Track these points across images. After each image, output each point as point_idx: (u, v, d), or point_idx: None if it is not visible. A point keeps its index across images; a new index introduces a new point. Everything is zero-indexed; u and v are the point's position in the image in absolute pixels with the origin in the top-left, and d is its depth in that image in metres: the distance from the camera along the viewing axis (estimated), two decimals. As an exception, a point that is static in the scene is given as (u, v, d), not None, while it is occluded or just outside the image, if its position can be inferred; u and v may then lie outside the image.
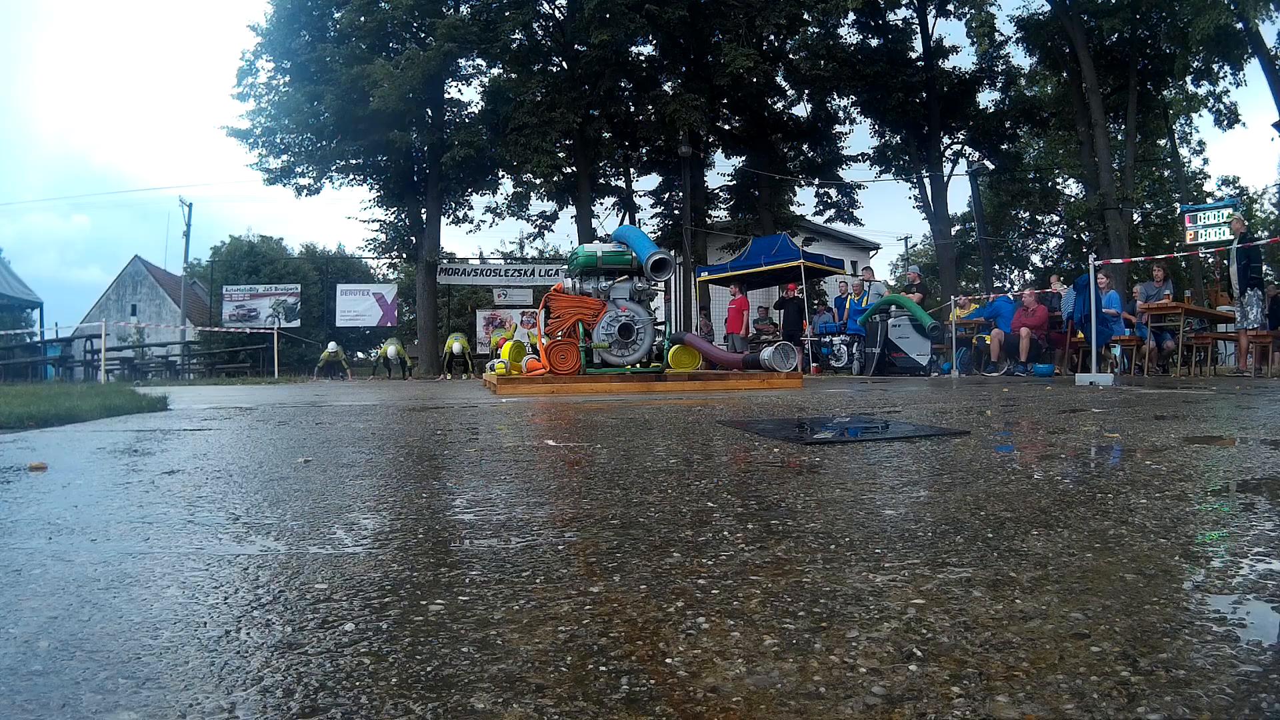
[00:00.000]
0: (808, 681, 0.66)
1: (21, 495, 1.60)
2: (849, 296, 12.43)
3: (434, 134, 18.03)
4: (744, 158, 20.62)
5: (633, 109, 19.20)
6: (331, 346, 16.87)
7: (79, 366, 16.80)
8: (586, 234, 18.62)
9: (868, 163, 21.38)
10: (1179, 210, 17.88)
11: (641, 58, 18.92)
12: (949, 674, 0.67)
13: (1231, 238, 9.09)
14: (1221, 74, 18.01)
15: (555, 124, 16.70)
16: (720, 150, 21.22)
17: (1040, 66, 20.23)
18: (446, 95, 18.84)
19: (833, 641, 0.75)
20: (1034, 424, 2.95)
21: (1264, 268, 10.69)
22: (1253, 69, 16.61)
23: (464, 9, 17.81)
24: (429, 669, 0.70)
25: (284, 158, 18.65)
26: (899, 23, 19.89)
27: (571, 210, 20.24)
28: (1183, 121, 24.08)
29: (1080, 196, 22.59)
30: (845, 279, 13.60)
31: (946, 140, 20.85)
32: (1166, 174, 25.73)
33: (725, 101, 19.02)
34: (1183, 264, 20.02)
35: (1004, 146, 21.04)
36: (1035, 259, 29.56)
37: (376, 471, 1.92)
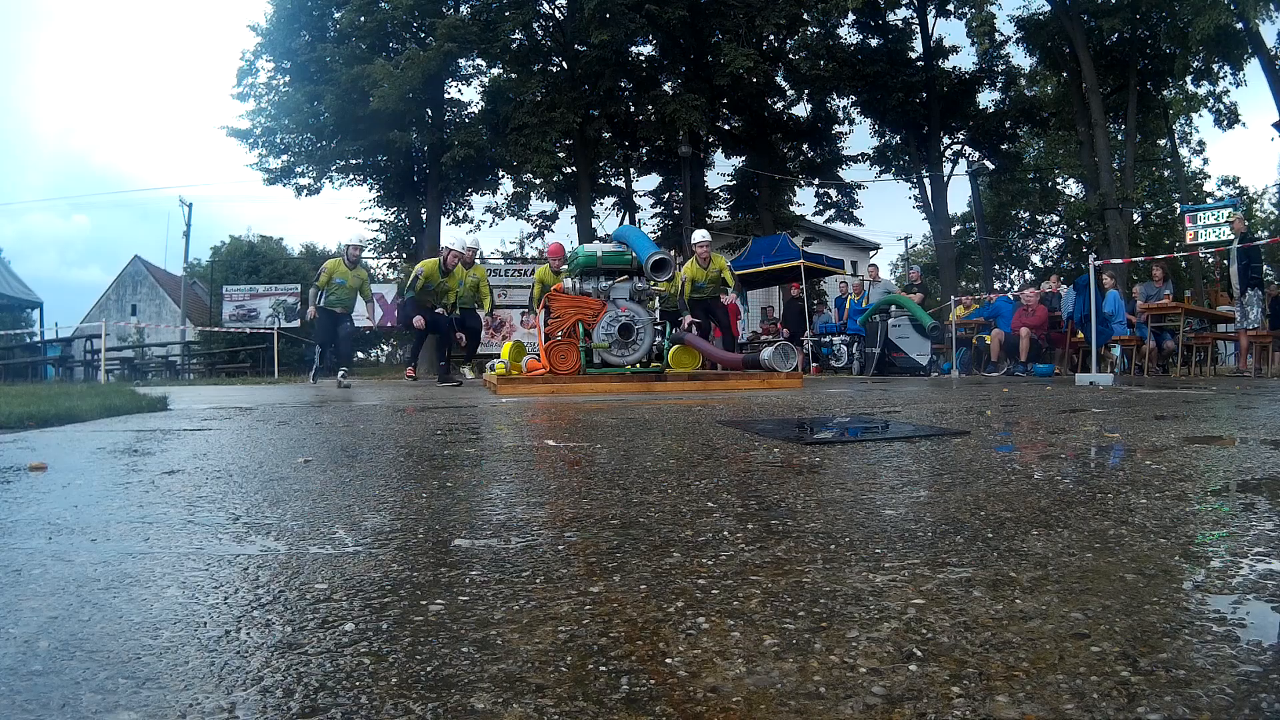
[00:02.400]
0: (808, 681, 0.66)
1: (21, 495, 1.60)
2: (849, 296, 12.44)
3: (434, 134, 18.04)
4: (744, 158, 20.62)
5: (633, 109, 19.20)
6: (327, 267, 8.50)
7: (79, 366, 16.79)
8: (586, 234, 18.61)
9: (868, 163, 21.39)
10: (1179, 210, 17.89)
11: (641, 58, 18.93)
12: (949, 674, 0.67)
13: (1232, 237, 9.09)
14: (1221, 74, 18.02)
15: (555, 124, 16.70)
16: (720, 150, 21.22)
17: (1040, 66, 20.24)
18: (446, 95, 18.85)
19: (833, 641, 0.75)
20: (1034, 424, 2.95)
21: (1264, 268, 10.69)
22: (1253, 69, 16.63)
23: (464, 9, 17.81)
24: (429, 669, 0.70)
25: (284, 158, 18.65)
26: (899, 23, 19.91)
27: (571, 210, 20.24)
28: (1183, 121, 24.11)
29: (1080, 196, 22.62)
30: (845, 279, 13.60)
31: (946, 140, 20.86)
32: (1166, 174, 25.74)
33: (725, 101, 19.03)
34: (1183, 264, 20.03)
35: (1004, 146, 21.05)
36: (1035, 259, 29.58)
37: (376, 471, 1.92)
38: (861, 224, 21.84)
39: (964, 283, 25.89)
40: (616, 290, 6.47)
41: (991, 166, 21.70)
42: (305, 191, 18.92)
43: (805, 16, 17.35)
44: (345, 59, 16.74)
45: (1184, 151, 25.31)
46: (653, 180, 22.14)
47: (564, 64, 18.41)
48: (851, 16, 18.19)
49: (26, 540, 1.20)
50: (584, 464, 2.00)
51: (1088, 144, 17.55)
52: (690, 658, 0.72)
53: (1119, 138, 18.66)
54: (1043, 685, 0.64)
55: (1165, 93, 20.21)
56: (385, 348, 27.72)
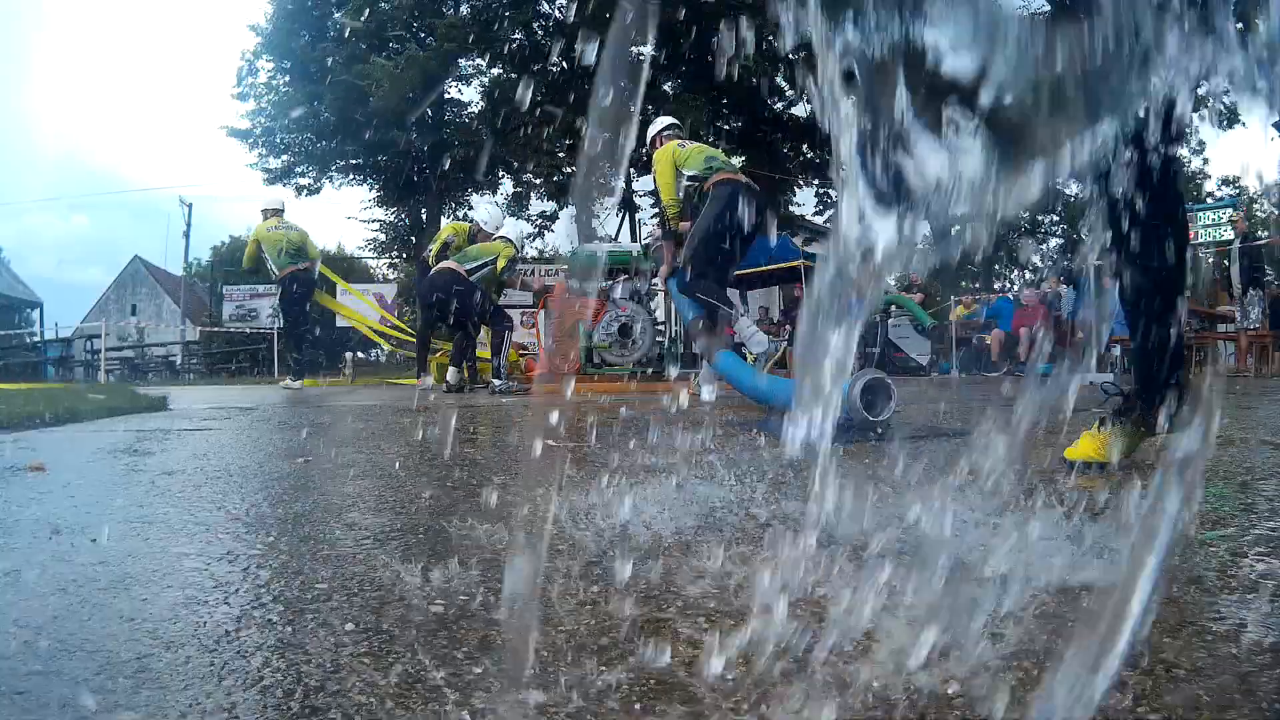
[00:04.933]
0: (808, 681, 0.66)
1: (21, 495, 1.60)
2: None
3: (434, 134, 18.04)
4: (744, 158, 20.63)
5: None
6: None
7: (79, 366, 16.80)
8: (586, 234, 18.62)
9: (868, 163, 21.39)
10: (1179, 210, 17.89)
11: (642, 57, 18.94)
12: (949, 673, 0.67)
13: (1233, 237, 9.10)
14: (1221, 74, 18.03)
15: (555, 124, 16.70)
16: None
17: (1040, 66, 20.24)
18: (446, 95, 18.85)
19: (833, 641, 0.75)
20: (1034, 424, 2.95)
21: (1265, 267, 10.70)
22: (1253, 69, 16.64)
23: (464, 9, 17.83)
24: (429, 669, 0.70)
25: (284, 158, 18.67)
26: (899, 22, 19.92)
27: (571, 210, 20.25)
28: (1183, 121, 24.09)
29: (1080, 196, 22.62)
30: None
31: (947, 140, 20.86)
32: (1166, 174, 25.72)
33: (725, 101, 19.04)
34: (1183, 264, 20.04)
35: (1004, 146, 21.04)
36: (1035, 259, 29.59)
37: (376, 471, 1.92)
38: (862, 224, 21.85)
39: (964, 283, 25.90)
40: (616, 290, 6.47)
41: (992, 166, 21.70)
42: (305, 191, 18.94)
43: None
44: (345, 59, 16.75)
45: (1184, 151, 25.33)
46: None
47: (564, 64, 18.41)
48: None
49: (26, 540, 1.21)
50: (584, 463, 2.00)
51: (1088, 144, 17.56)
52: (690, 657, 0.72)
53: (1119, 138, 18.67)
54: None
55: (1165, 92, 20.22)
56: (385, 347, 27.68)
